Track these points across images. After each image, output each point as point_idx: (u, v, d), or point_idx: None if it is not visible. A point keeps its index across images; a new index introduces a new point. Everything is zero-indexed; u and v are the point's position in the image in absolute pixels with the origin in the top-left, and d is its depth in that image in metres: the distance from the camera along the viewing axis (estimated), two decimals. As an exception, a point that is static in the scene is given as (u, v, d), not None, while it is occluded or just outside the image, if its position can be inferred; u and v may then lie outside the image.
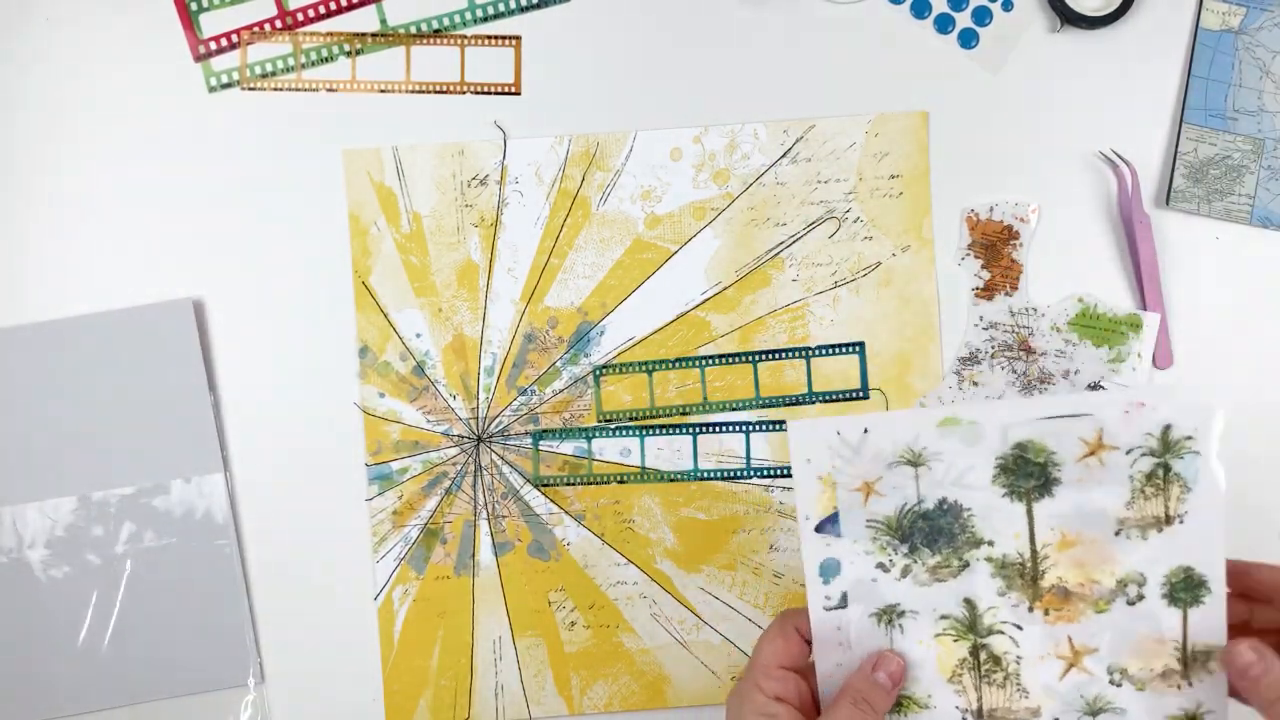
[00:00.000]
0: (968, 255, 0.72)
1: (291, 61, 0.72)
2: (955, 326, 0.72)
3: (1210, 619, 0.52)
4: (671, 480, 0.72)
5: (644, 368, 0.72)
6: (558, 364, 0.72)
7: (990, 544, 0.54)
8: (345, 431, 0.72)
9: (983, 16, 0.73)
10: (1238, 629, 0.53)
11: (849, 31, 0.72)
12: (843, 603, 0.55)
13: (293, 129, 0.72)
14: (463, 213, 0.72)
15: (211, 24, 0.72)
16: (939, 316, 0.72)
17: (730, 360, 0.72)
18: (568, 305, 0.72)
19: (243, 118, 0.72)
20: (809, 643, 0.56)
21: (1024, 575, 0.54)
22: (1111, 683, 0.54)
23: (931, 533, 0.54)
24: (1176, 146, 0.72)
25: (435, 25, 0.72)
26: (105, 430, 0.71)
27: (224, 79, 0.72)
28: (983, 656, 0.55)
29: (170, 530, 0.71)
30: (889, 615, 0.55)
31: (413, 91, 0.72)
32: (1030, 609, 0.54)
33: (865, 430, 0.54)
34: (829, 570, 0.56)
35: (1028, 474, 0.53)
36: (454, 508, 0.72)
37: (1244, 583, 0.53)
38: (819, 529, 0.55)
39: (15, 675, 0.71)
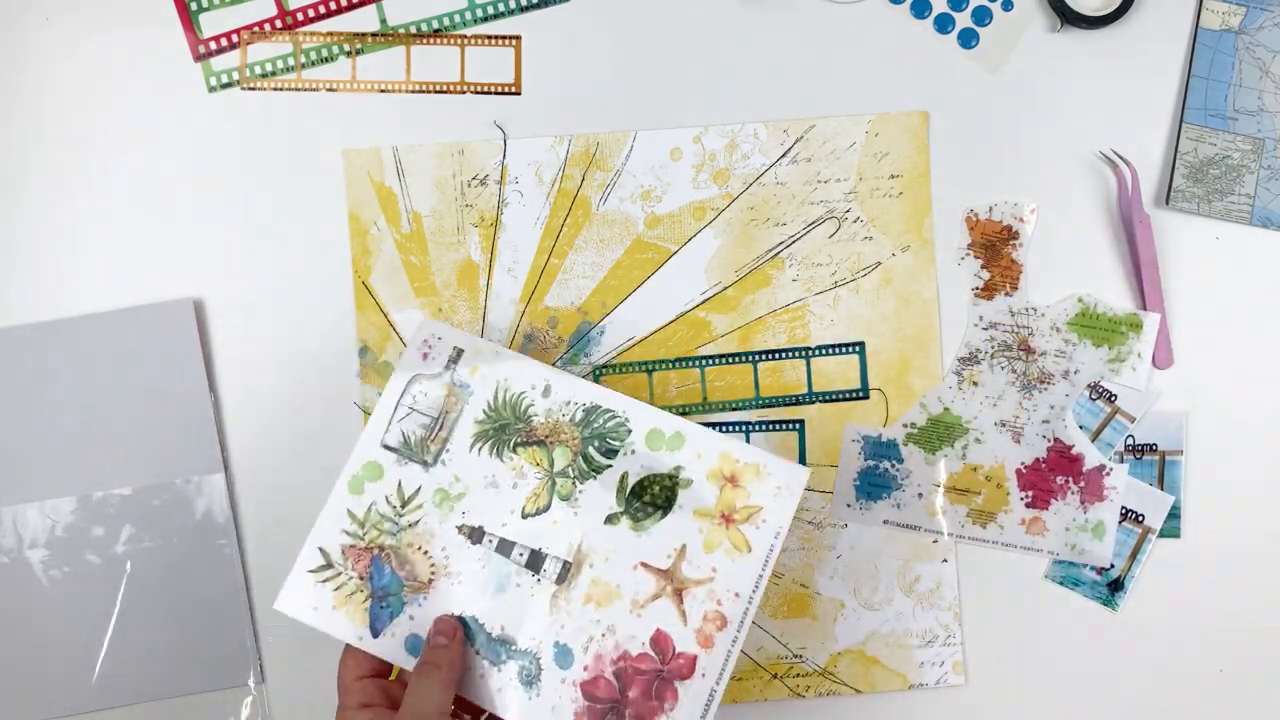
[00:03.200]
0: (967, 255, 0.72)
1: (291, 61, 0.72)
2: (955, 326, 0.72)
3: None
4: (671, 480, 0.72)
5: (644, 368, 0.72)
6: (558, 363, 0.72)
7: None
8: (345, 432, 0.72)
9: (983, 16, 0.73)
10: None
11: (849, 31, 0.72)
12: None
13: (293, 129, 0.72)
14: (463, 212, 0.72)
15: (211, 24, 0.72)
16: (939, 316, 0.72)
17: (730, 360, 0.72)
18: (568, 305, 0.72)
19: (243, 118, 0.72)
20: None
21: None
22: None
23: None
24: (1176, 146, 0.72)
25: (435, 25, 0.72)
26: (105, 430, 0.71)
27: (224, 79, 0.72)
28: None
29: (170, 530, 0.71)
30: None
31: (413, 91, 0.72)
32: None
33: (320, 549, 0.63)
34: (415, 647, 0.61)
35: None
36: (454, 508, 0.72)
37: None
38: (375, 635, 0.61)
39: (15, 675, 0.71)
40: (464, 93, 0.72)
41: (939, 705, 0.72)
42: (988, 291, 0.72)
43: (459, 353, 0.63)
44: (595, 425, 0.62)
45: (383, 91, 0.72)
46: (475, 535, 0.61)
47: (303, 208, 0.72)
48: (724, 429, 0.72)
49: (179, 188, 0.72)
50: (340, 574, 0.62)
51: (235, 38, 0.72)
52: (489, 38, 0.72)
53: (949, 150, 0.72)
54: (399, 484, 0.62)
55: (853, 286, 0.72)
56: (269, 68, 0.72)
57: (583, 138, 0.72)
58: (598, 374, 0.72)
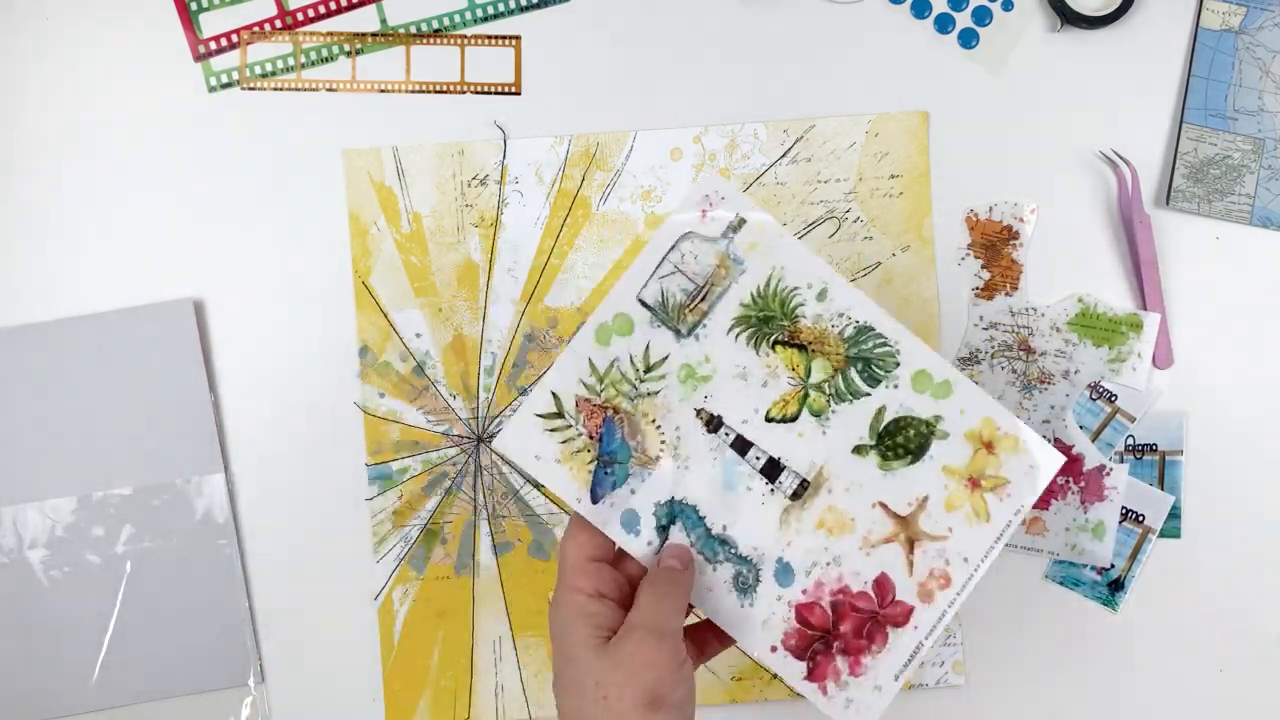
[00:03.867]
0: (968, 255, 0.72)
1: (291, 61, 0.72)
2: (955, 326, 0.72)
3: None
4: (672, 480, 0.72)
5: (644, 368, 0.72)
6: (558, 364, 0.72)
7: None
8: (345, 431, 0.72)
9: (983, 16, 0.73)
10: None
11: (849, 31, 0.72)
12: (662, 535, 0.57)
13: (293, 129, 0.72)
14: (463, 213, 0.72)
15: (211, 24, 0.72)
16: (939, 316, 0.72)
17: (730, 360, 0.72)
18: (568, 305, 0.72)
19: (243, 118, 0.72)
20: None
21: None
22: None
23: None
24: (1177, 146, 0.72)
25: (435, 25, 0.72)
26: (105, 430, 0.71)
27: (224, 79, 0.72)
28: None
29: (170, 530, 0.71)
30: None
31: (413, 91, 0.72)
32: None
33: (552, 394, 0.57)
34: (631, 523, 0.57)
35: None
36: (454, 508, 0.72)
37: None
38: (595, 500, 0.57)
39: (15, 676, 0.71)
40: (464, 93, 0.72)
41: (939, 705, 0.72)
42: (988, 291, 0.72)
43: (741, 222, 0.57)
44: (864, 346, 0.57)
45: (383, 91, 0.72)
46: (713, 424, 0.58)
47: (303, 208, 0.72)
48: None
49: (179, 188, 0.72)
50: (571, 427, 0.57)
51: (235, 38, 0.72)
52: (489, 38, 0.72)
53: (949, 150, 0.72)
54: (647, 346, 0.57)
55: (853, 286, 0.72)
56: (269, 68, 0.72)
57: (583, 138, 0.72)
58: (598, 374, 0.72)
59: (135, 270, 0.72)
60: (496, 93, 0.72)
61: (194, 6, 0.72)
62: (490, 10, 0.72)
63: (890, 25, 0.72)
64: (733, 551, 0.57)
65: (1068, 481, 0.71)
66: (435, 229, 0.72)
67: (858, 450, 0.57)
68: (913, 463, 0.57)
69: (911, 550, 0.57)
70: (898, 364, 0.57)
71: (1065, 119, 0.72)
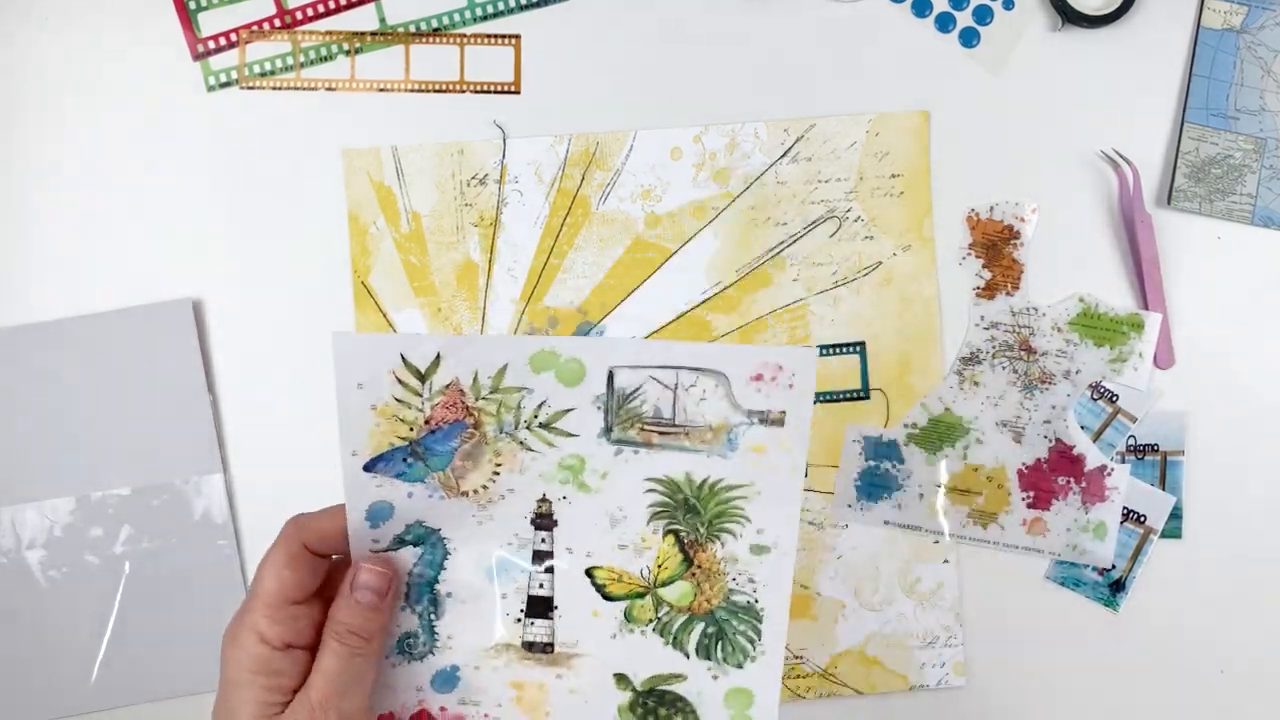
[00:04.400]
0: (968, 255, 0.72)
1: (290, 60, 0.72)
2: (956, 326, 0.72)
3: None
4: (672, 480, 0.71)
5: (644, 368, 0.72)
6: (557, 364, 0.72)
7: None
8: (344, 432, 0.71)
9: (984, 15, 0.72)
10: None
11: (849, 31, 0.72)
12: (395, 545, 0.48)
13: (292, 128, 0.72)
14: (462, 212, 0.72)
15: (210, 23, 0.72)
16: (940, 316, 0.72)
17: (730, 360, 0.72)
18: (567, 305, 0.72)
19: (241, 117, 0.72)
20: (320, 555, 0.47)
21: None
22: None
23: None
24: (1178, 146, 0.72)
25: (434, 24, 0.72)
26: (104, 430, 0.71)
27: (222, 78, 0.72)
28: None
29: (169, 531, 0.71)
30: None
31: (412, 90, 0.72)
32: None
33: (438, 356, 0.45)
34: (379, 515, 0.48)
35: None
36: (453, 508, 0.72)
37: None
38: (369, 468, 0.48)
39: (14, 676, 0.71)
40: (463, 92, 0.72)
41: (940, 706, 0.72)
42: (989, 291, 0.72)
43: (778, 419, 0.46)
44: (738, 624, 0.49)
45: (382, 91, 0.72)
46: (542, 523, 0.49)
47: (301, 207, 0.72)
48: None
49: (177, 187, 0.72)
50: (419, 397, 0.48)
51: (234, 37, 0.72)
52: (488, 37, 0.72)
53: (950, 150, 0.72)
54: (567, 411, 0.47)
55: (853, 286, 0.72)
56: (268, 67, 0.72)
57: (582, 137, 0.72)
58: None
59: (133, 270, 0.72)
60: (496, 92, 0.72)
61: (193, 5, 0.72)
62: (490, 9, 0.72)
63: (891, 24, 0.72)
64: (429, 619, 0.49)
65: (1069, 482, 0.71)
66: (434, 228, 0.72)
67: (619, 680, 0.49)
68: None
69: None
70: (739, 665, 0.49)
71: (1066, 118, 0.72)
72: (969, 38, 0.72)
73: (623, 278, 0.72)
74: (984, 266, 0.72)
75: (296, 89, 0.72)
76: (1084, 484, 0.71)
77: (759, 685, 0.48)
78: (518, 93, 0.72)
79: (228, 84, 0.72)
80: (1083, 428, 0.71)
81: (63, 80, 0.72)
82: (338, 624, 0.45)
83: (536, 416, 0.47)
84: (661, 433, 0.46)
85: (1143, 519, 0.71)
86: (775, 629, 0.48)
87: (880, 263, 0.72)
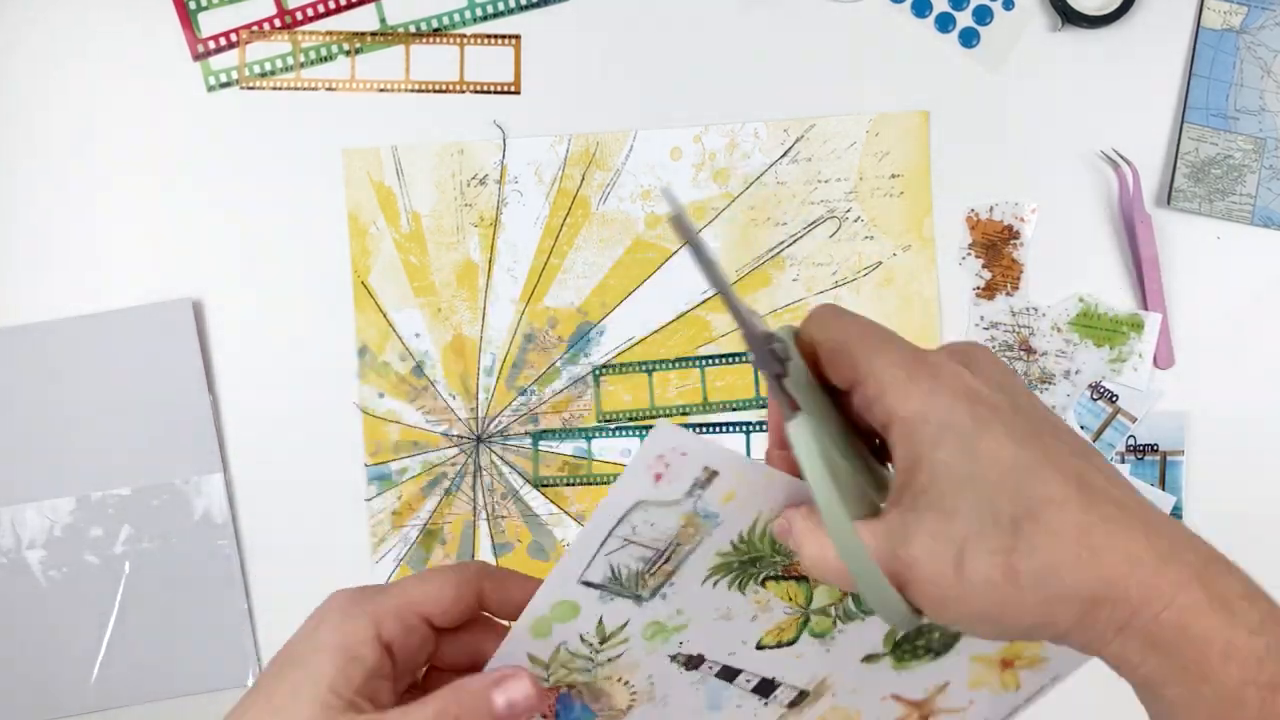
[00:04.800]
0: (968, 255, 0.72)
1: (290, 60, 0.72)
2: (956, 326, 0.72)
3: None
4: (671, 480, 0.71)
5: (644, 368, 0.72)
6: (557, 364, 0.72)
7: None
8: (344, 432, 0.72)
9: (983, 16, 0.72)
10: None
11: (849, 31, 0.72)
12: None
13: (292, 128, 0.72)
14: (462, 212, 0.72)
15: (210, 23, 0.72)
16: (940, 316, 0.72)
17: (730, 360, 0.72)
18: (567, 305, 0.72)
19: (241, 117, 0.72)
20: (483, 605, 0.43)
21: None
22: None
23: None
24: (1178, 146, 0.72)
25: (434, 24, 0.72)
26: (104, 430, 0.71)
27: (223, 78, 0.72)
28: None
29: (169, 531, 0.71)
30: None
31: (412, 91, 0.72)
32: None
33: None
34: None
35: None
36: (453, 508, 0.72)
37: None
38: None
39: (14, 676, 0.71)
40: (463, 92, 0.72)
41: (939, 706, 0.72)
42: (989, 291, 0.72)
43: (711, 475, 0.43)
44: None
45: (382, 91, 0.72)
46: (693, 663, 0.47)
47: (301, 207, 0.72)
48: (724, 430, 0.72)
49: (177, 187, 0.72)
50: None
51: (234, 37, 0.72)
52: (488, 37, 0.72)
53: (950, 150, 0.72)
54: (599, 620, 0.45)
55: (853, 286, 0.72)
56: (268, 67, 0.72)
57: (582, 137, 0.72)
58: (598, 374, 0.72)
59: (133, 270, 0.72)
60: (496, 92, 0.72)
61: (193, 6, 0.72)
62: (489, 9, 0.72)
63: (891, 24, 0.72)
64: None
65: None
66: (434, 228, 0.72)
67: (868, 659, 0.48)
68: (936, 659, 0.49)
69: None
70: None
71: (1066, 118, 0.72)
72: (969, 38, 0.72)
73: (623, 278, 0.72)
74: (984, 266, 0.72)
75: (296, 89, 0.72)
76: (1084, 484, 0.71)
77: None
78: (518, 93, 0.72)
79: (228, 84, 0.72)
80: (1083, 428, 0.71)
81: (63, 80, 0.72)
82: (454, 703, 0.39)
83: (591, 645, 0.45)
84: (665, 561, 0.45)
85: (1142, 519, 0.71)
86: None
87: (880, 263, 0.72)
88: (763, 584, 0.46)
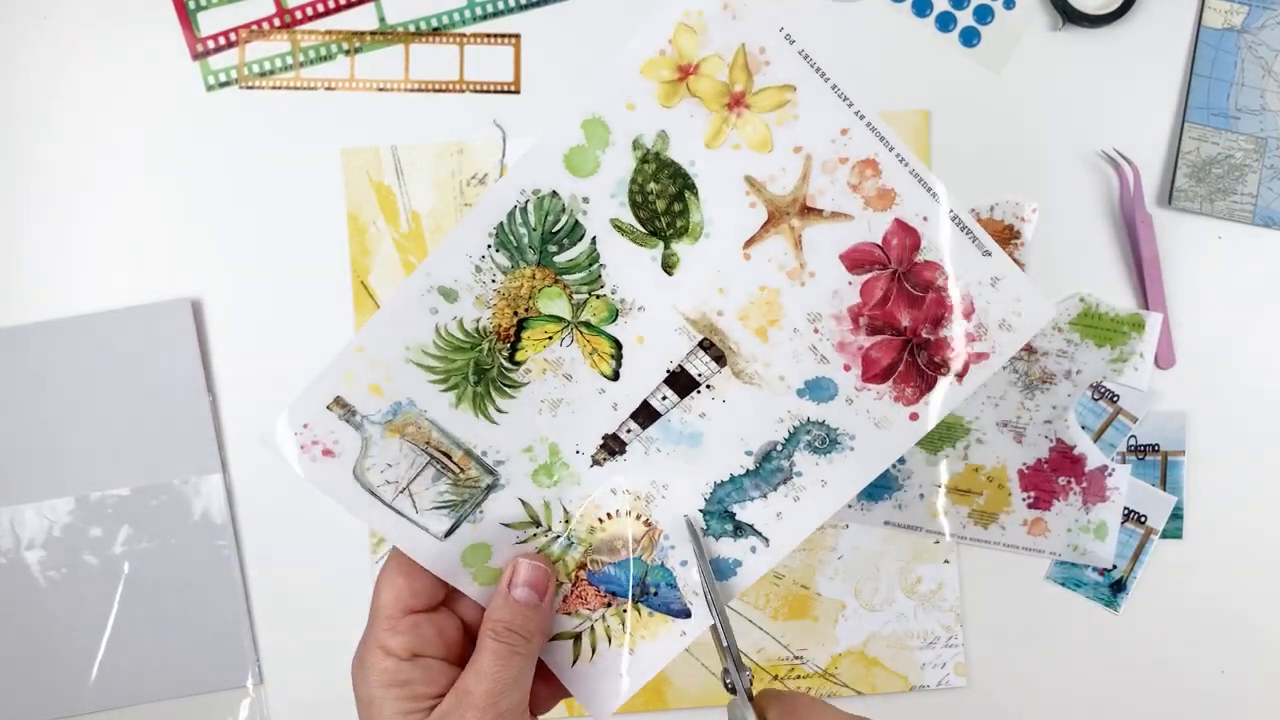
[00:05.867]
0: (969, 255, 0.72)
1: (290, 60, 0.72)
2: (956, 326, 0.72)
3: None
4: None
5: (644, 368, 0.72)
6: (557, 364, 0.72)
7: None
8: (344, 432, 0.71)
9: (984, 15, 0.72)
10: None
11: (849, 31, 0.72)
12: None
13: (291, 128, 0.72)
14: (462, 212, 0.72)
15: (209, 22, 0.72)
16: (940, 316, 0.72)
17: (731, 360, 0.72)
18: (567, 305, 0.72)
19: (241, 116, 0.72)
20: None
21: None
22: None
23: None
24: (1179, 146, 0.71)
25: (434, 24, 0.72)
26: (103, 431, 0.70)
27: (222, 77, 0.72)
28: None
29: (168, 531, 0.71)
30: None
31: (412, 90, 0.72)
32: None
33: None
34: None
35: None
36: (453, 508, 0.72)
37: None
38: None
39: (14, 676, 0.70)
40: (463, 91, 0.72)
41: (941, 707, 0.72)
42: (989, 291, 0.72)
43: (339, 401, 0.45)
44: (523, 240, 0.44)
45: (381, 90, 0.72)
46: (615, 447, 0.47)
47: (301, 207, 0.72)
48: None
49: (176, 187, 0.72)
50: (581, 624, 0.47)
51: (233, 36, 0.72)
52: (488, 36, 0.72)
53: (950, 149, 0.72)
54: (501, 526, 0.46)
55: (853, 286, 0.72)
56: (267, 66, 0.72)
57: (582, 137, 0.72)
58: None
59: (133, 270, 0.71)
60: (496, 91, 0.72)
61: (192, 5, 0.72)
62: (489, 9, 0.72)
63: (891, 24, 0.72)
64: (772, 466, 0.47)
65: (1070, 482, 0.71)
66: (434, 228, 0.72)
67: (666, 264, 0.46)
68: (696, 199, 0.45)
69: (808, 198, 0.45)
70: (556, 195, 0.45)
71: (1067, 118, 0.72)
72: (969, 37, 0.72)
73: (623, 277, 0.72)
74: (984, 266, 0.72)
75: (296, 89, 0.72)
76: (1085, 484, 0.71)
77: (554, 153, 0.45)
78: (517, 92, 0.72)
79: (227, 84, 0.72)
80: (1083, 428, 0.71)
81: (62, 80, 0.72)
82: (495, 622, 0.44)
83: (535, 534, 0.47)
84: (444, 454, 0.46)
85: (1143, 519, 0.71)
86: (493, 203, 0.45)
87: (880, 262, 0.72)
88: (513, 364, 0.45)
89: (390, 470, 0.45)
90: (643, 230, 0.45)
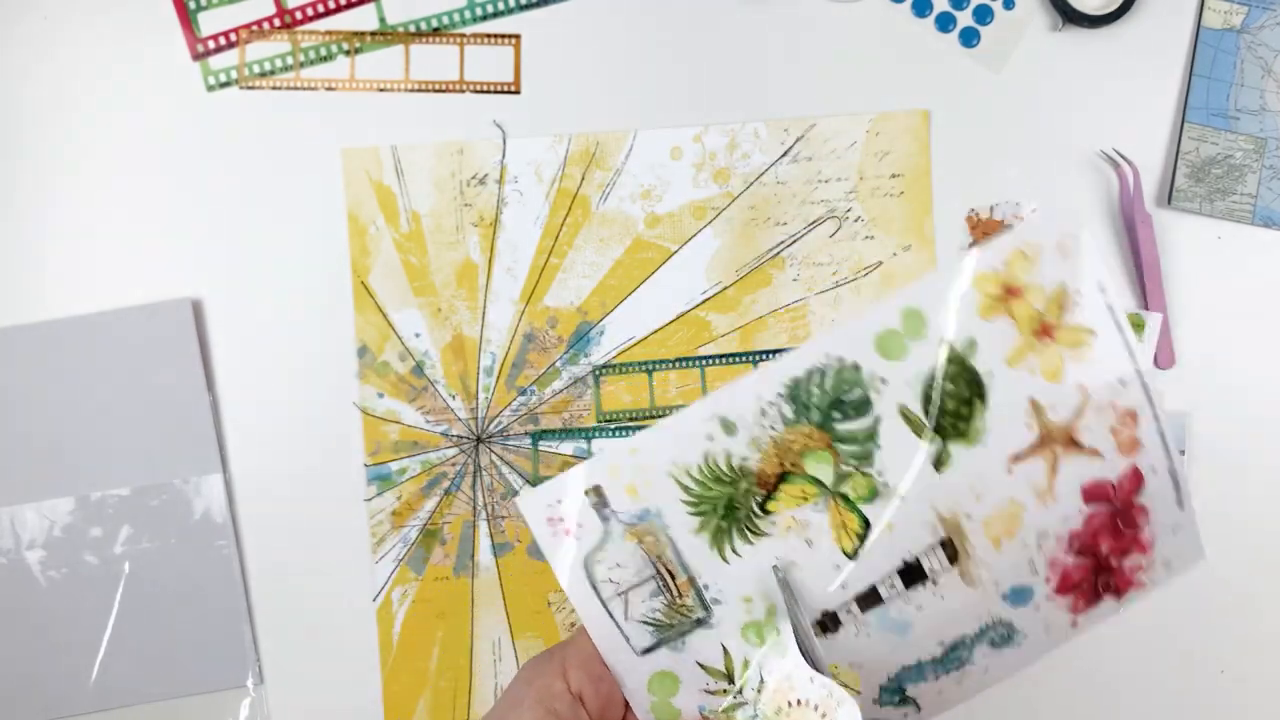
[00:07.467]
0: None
1: (290, 60, 0.72)
2: (956, 326, 0.72)
3: None
4: (671, 481, 0.71)
5: (644, 368, 0.72)
6: (557, 364, 0.72)
7: None
8: (344, 432, 0.71)
9: (984, 15, 0.72)
10: None
11: (849, 31, 0.72)
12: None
13: (291, 128, 0.72)
14: (462, 212, 0.72)
15: (210, 23, 0.72)
16: (940, 316, 0.72)
17: (731, 360, 0.72)
18: (567, 305, 0.72)
19: (241, 117, 0.72)
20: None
21: None
22: None
23: None
24: (1178, 146, 0.72)
25: (434, 24, 0.72)
26: (103, 430, 0.71)
27: (222, 78, 0.72)
28: None
29: (168, 531, 0.71)
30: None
31: (412, 90, 0.72)
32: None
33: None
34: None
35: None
36: (453, 508, 0.72)
37: None
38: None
39: (14, 677, 0.71)
40: (463, 92, 0.72)
41: (940, 706, 0.72)
42: (989, 291, 0.72)
43: (599, 491, 0.45)
44: (812, 400, 0.44)
45: (381, 90, 0.72)
46: (830, 624, 0.46)
47: (301, 207, 0.72)
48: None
49: (176, 187, 0.72)
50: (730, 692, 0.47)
51: (233, 36, 0.72)
52: (488, 36, 0.72)
53: (950, 149, 0.72)
54: (700, 666, 0.45)
55: (854, 286, 0.72)
56: (267, 66, 0.72)
57: (582, 137, 0.72)
58: (598, 374, 0.72)
59: (133, 270, 0.72)
60: (496, 91, 0.72)
61: (192, 5, 0.72)
62: (490, 9, 0.72)
63: (891, 24, 0.72)
64: (958, 651, 0.49)
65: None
66: (434, 228, 0.72)
67: (939, 462, 0.47)
68: (983, 405, 0.47)
69: (1074, 443, 0.48)
70: (856, 366, 0.46)
71: (1066, 118, 0.72)
72: (969, 38, 0.72)
73: (623, 278, 0.72)
74: (984, 266, 0.72)
75: (296, 89, 0.72)
76: (1084, 484, 0.71)
77: (865, 336, 0.46)
78: (518, 93, 0.72)
79: (227, 84, 0.72)
80: (1083, 428, 0.71)
81: (62, 80, 0.72)
82: None
83: (726, 692, 0.46)
84: (669, 576, 0.46)
85: (1143, 519, 0.71)
86: (795, 362, 0.46)
87: (880, 263, 0.72)
88: (764, 512, 0.45)
89: (616, 570, 0.45)
90: (926, 424, 0.46)
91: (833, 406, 0.45)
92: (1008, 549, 0.47)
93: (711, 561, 0.44)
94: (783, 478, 0.45)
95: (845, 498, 0.45)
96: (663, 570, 0.44)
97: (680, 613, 0.45)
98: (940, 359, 0.46)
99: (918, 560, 0.46)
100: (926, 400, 0.46)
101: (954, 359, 0.46)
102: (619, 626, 0.45)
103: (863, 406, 0.45)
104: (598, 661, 0.44)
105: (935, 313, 0.46)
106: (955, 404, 0.46)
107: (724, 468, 0.44)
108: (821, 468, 0.45)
